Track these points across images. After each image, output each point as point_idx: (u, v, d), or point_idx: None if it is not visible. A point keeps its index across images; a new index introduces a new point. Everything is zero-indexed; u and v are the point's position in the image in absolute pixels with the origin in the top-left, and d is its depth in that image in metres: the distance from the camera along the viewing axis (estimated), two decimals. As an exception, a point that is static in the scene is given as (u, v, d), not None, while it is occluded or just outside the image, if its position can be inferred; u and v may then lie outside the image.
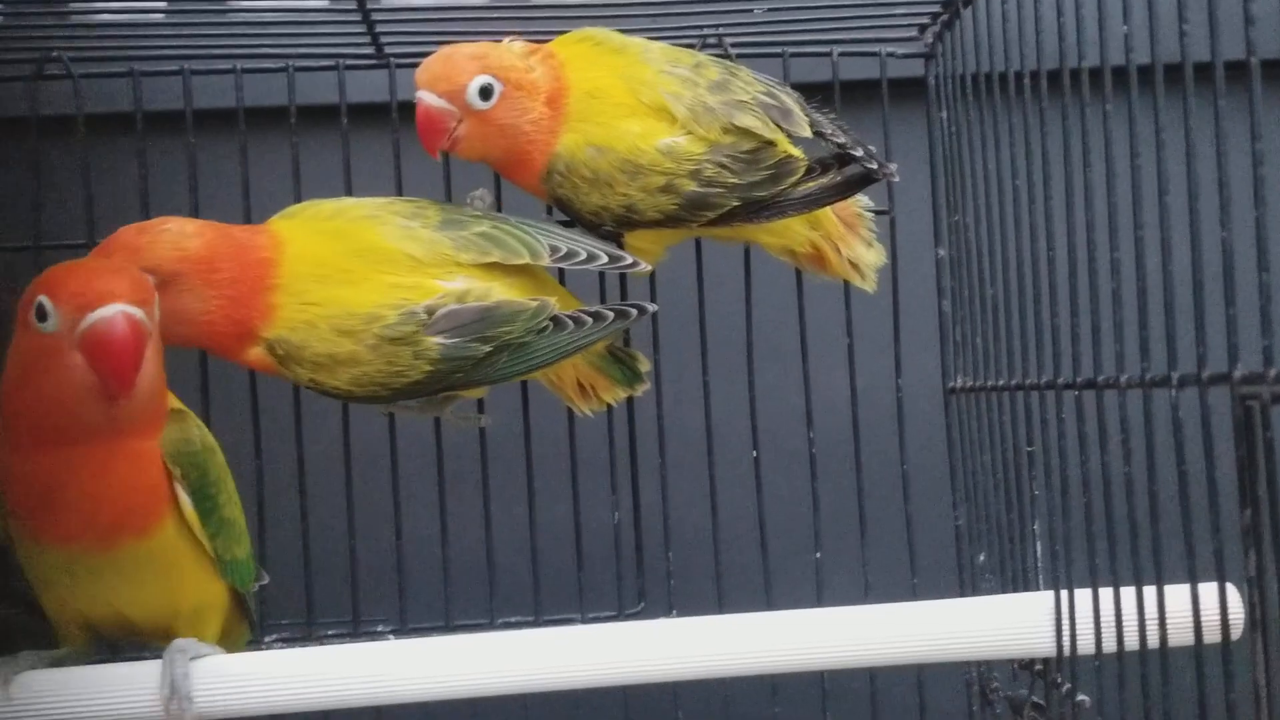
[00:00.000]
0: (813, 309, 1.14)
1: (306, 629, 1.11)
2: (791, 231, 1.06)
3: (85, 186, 1.08)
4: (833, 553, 1.13)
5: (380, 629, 1.12)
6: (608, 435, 1.13)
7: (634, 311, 1.00)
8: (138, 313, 0.79)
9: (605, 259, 1.00)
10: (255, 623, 0.96)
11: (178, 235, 0.92)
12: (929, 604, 0.91)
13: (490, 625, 1.12)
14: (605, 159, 1.00)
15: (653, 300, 1.09)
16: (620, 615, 1.14)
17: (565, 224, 1.06)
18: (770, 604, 1.09)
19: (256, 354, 0.95)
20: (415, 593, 1.12)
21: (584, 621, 1.12)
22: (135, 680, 0.83)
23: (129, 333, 0.78)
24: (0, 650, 0.86)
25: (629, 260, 1.01)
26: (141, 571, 0.84)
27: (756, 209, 1.02)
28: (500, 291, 0.97)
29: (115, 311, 0.78)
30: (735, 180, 1.00)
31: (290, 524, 1.09)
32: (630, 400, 1.12)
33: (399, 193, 1.10)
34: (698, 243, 1.12)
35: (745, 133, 1.00)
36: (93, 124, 1.09)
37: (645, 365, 1.10)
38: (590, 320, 0.98)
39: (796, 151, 1.01)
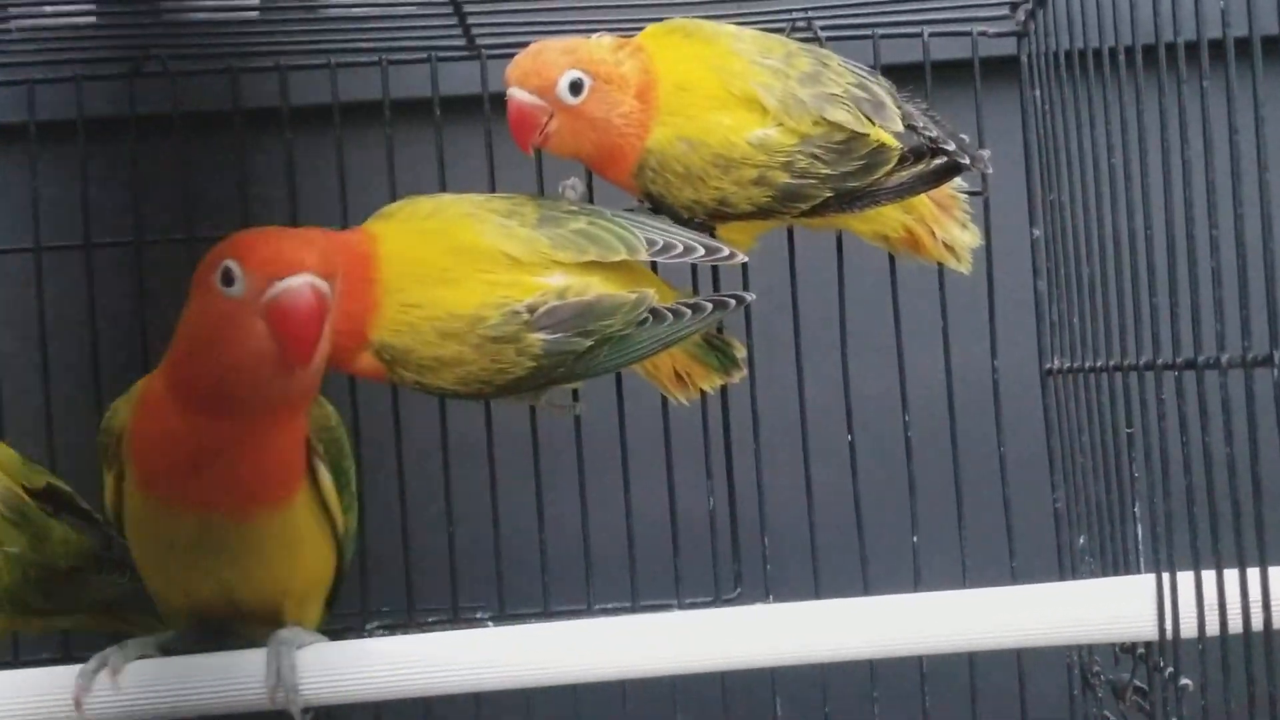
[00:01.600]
0: (906, 292, 1.15)
1: (407, 616, 1.14)
2: (885, 217, 1.08)
3: (184, 183, 1.12)
4: (930, 537, 1.15)
5: (479, 615, 1.16)
6: (702, 422, 1.15)
7: (732, 302, 1.03)
8: (324, 285, 0.80)
9: (701, 251, 1.02)
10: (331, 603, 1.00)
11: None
12: (1030, 588, 0.93)
13: (588, 611, 1.15)
14: (698, 154, 1.02)
15: (745, 287, 1.11)
16: (716, 601, 1.16)
17: (657, 212, 1.08)
18: (867, 589, 1.11)
19: (367, 360, 0.99)
20: (513, 580, 1.15)
21: (680, 607, 1.14)
22: (242, 669, 0.86)
23: (314, 304, 0.78)
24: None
25: (725, 252, 1.02)
26: (269, 545, 0.87)
27: (850, 199, 1.03)
28: (599, 286, 0.99)
29: (303, 281, 0.78)
30: (828, 171, 1.01)
31: (390, 513, 1.12)
32: (724, 387, 1.14)
33: (492, 185, 1.13)
34: (789, 229, 1.14)
35: (836, 125, 1.01)
36: (189, 122, 1.13)
37: (741, 351, 1.12)
38: (689, 312, 1.01)
39: (890, 140, 1.02)
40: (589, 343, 0.98)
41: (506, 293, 0.97)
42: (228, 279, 0.80)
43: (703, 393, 1.13)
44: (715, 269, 1.14)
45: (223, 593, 0.89)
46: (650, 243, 1.02)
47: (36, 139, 1.13)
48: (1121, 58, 0.92)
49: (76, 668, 0.85)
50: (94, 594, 0.99)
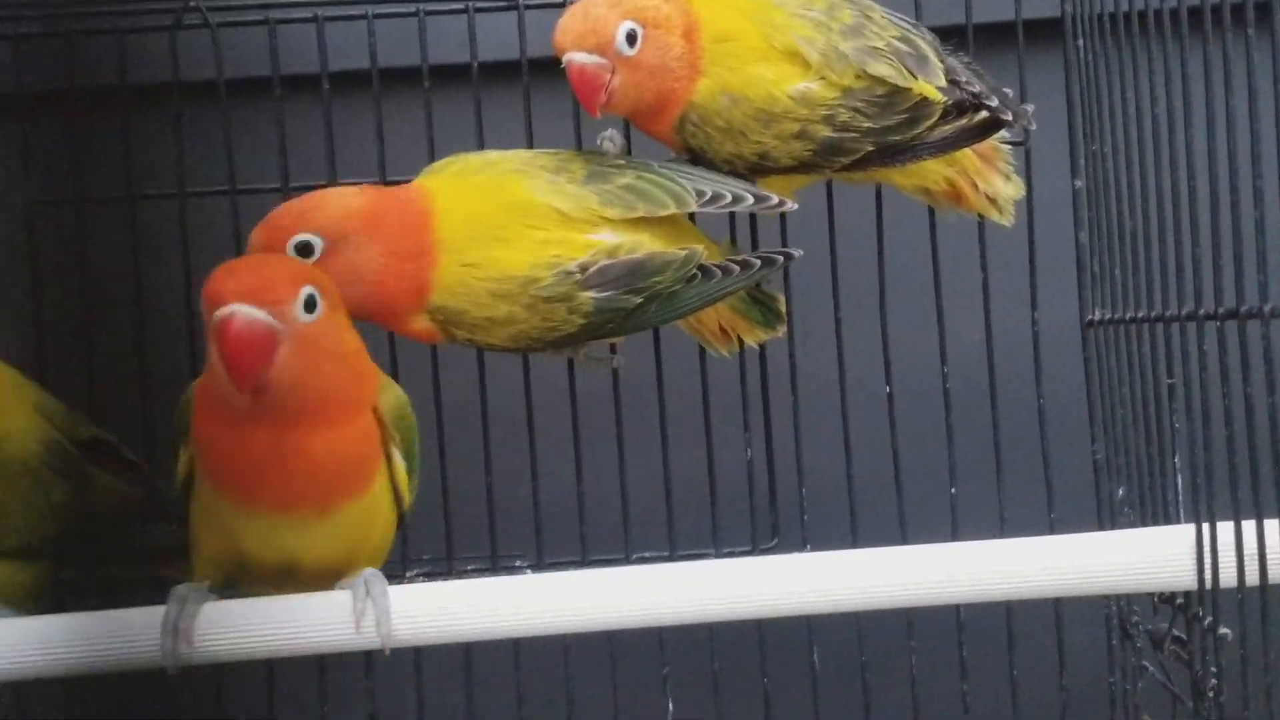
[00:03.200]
0: (945, 244, 1.17)
1: (446, 564, 1.17)
2: (927, 170, 1.09)
3: (226, 141, 1.14)
4: (968, 489, 1.17)
5: (518, 564, 1.18)
6: (740, 373, 1.17)
7: (780, 258, 1.05)
8: (256, 313, 0.82)
9: (750, 200, 1.05)
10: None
11: (341, 195, 0.99)
12: (1069, 537, 0.95)
13: (625, 561, 1.18)
14: (739, 108, 1.03)
15: (784, 241, 1.13)
16: (754, 551, 1.19)
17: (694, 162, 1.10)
18: (905, 541, 1.14)
19: (421, 323, 1.01)
20: (551, 530, 1.18)
21: (718, 557, 1.16)
22: (322, 609, 0.90)
23: (241, 332, 0.81)
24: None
25: (774, 200, 1.05)
26: (345, 531, 0.91)
27: (891, 153, 1.05)
28: (649, 243, 1.02)
29: (229, 312, 0.81)
30: (870, 125, 1.03)
31: (429, 462, 1.15)
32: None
33: (530, 143, 1.15)
34: (829, 183, 1.15)
35: (878, 79, 1.03)
36: (229, 87, 1.15)
37: (783, 305, 1.15)
38: (737, 269, 1.03)
39: (933, 93, 1.03)
40: (639, 300, 1.01)
41: (558, 251, 1.00)
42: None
43: (741, 345, 1.16)
44: (753, 222, 1.16)
45: (286, 561, 0.92)
46: (699, 193, 1.04)
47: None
48: (1167, 16, 0.94)
49: (143, 610, 0.88)
50: (139, 543, 1.02)
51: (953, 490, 1.17)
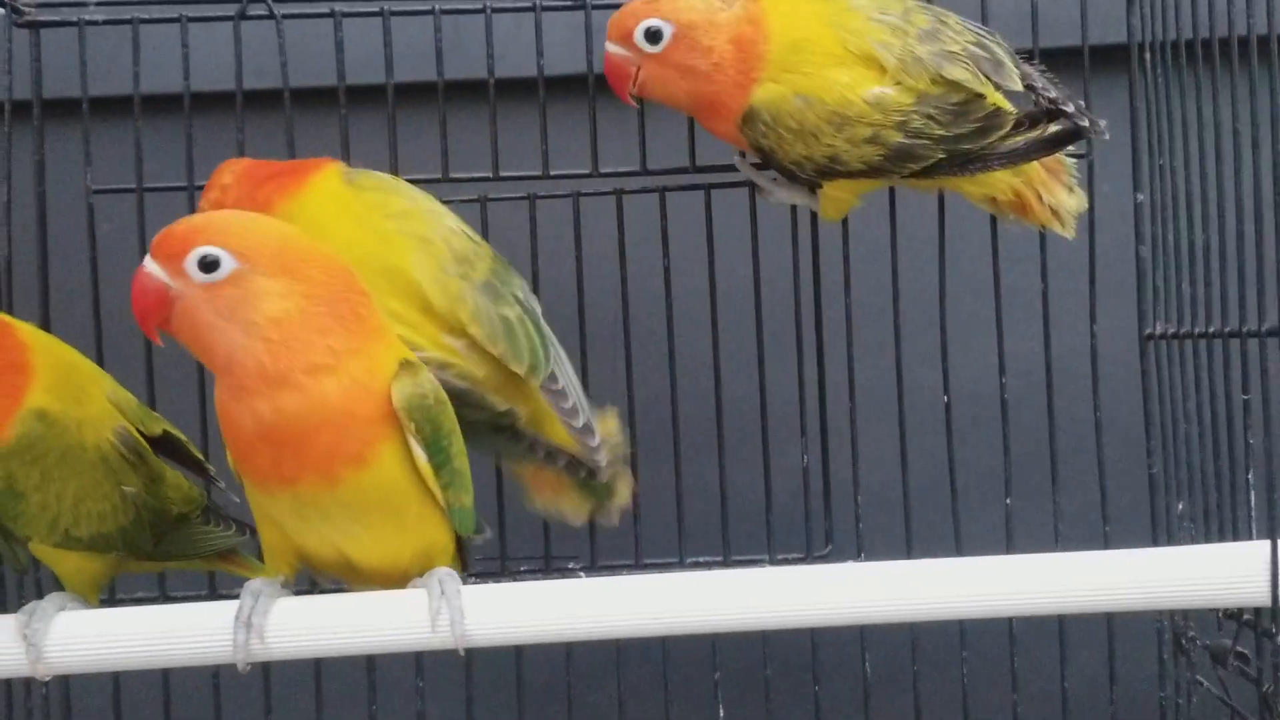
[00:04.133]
0: (1005, 255, 1.18)
1: (500, 565, 1.18)
2: (995, 179, 1.10)
3: (289, 142, 1.14)
4: (1023, 500, 1.18)
5: (571, 566, 1.19)
6: (798, 380, 1.18)
7: (584, 469, 1.07)
8: (152, 268, 0.85)
9: (581, 423, 1.06)
10: (468, 564, 1.03)
11: None
12: (1140, 552, 0.96)
13: (679, 565, 1.19)
14: (813, 110, 1.04)
15: (846, 247, 1.15)
16: (808, 558, 1.20)
17: (763, 166, 1.11)
18: (959, 551, 1.15)
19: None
20: (605, 533, 1.18)
21: (772, 563, 1.17)
22: (393, 607, 0.90)
23: (136, 286, 0.85)
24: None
25: (595, 443, 1.07)
26: (369, 511, 0.90)
27: (962, 161, 1.07)
28: (483, 379, 1.03)
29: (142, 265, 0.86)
30: (943, 132, 1.04)
31: (483, 464, 1.15)
32: (820, 346, 1.18)
33: (594, 155, 1.18)
34: (891, 190, 1.16)
35: (954, 84, 1.04)
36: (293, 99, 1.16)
37: (623, 500, 1.14)
38: (543, 453, 1.06)
39: (1005, 104, 1.05)
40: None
41: (411, 338, 1.00)
42: None
43: (800, 357, 1.17)
44: (814, 221, 1.17)
45: (339, 557, 0.92)
46: (552, 378, 1.05)
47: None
48: (1235, 44, 0.95)
49: (216, 605, 0.89)
50: (200, 542, 1.03)
51: (1008, 501, 1.18)
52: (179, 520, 1.01)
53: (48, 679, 0.90)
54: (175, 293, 0.84)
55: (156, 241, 0.85)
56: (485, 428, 1.03)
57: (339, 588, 0.99)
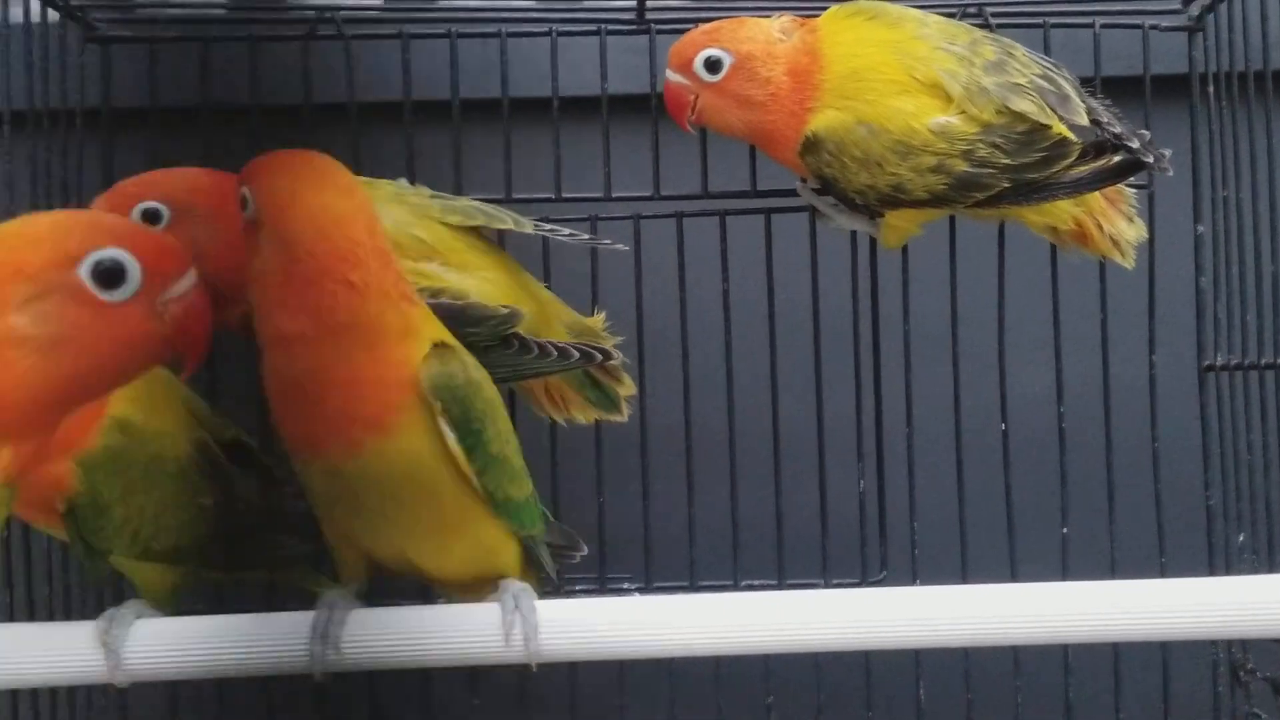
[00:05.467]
0: (1064, 285, 1.21)
1: (555, 584, 1.21)
2: (1057, 209, 1.14)
3: (355, 158, 1.18)
4: (1079, 530, 1.21)
5: (626, 586, 1.23)
6: (855, 405, 1.22)
7: (599, 355, 1.11)
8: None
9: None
10: (551, 579, 1.06)
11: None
12: (1203, 580, 0.99)
13: (734, 588, 1.22)
14: (878, 140, 1.08)
15: (905, 274, 1.18)
16: (863, 583, 1.24)
17: (824, 192, 1.16)
18: (1014, 579, 1.18)
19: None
20: (660, 554, 1.23)
21: (827, 588, 1.20)
22: (476, 620, 0.93)
23: None
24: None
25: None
26: (399, 488, 0.91)
27: (1026, 191, 1.10)
28: (475, 292, 1.07)
29: None
30: (1008, 161, 1.08)
31: (541, 483, 1.19)
32: (877, 372, 1.21)
33: (656, 173, 1.22)
34: (951, 219, 1.20)
35: (1019, 116, 1.08)
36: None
37: (627, 392, 1.20)
38: (555, 353, 1.09)
39: (1070, 134, 1.08)
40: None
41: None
42: None
43: (858, 382, 1.21)
44: (874, 247, 1.21)
45: (398, 555, 0.95)
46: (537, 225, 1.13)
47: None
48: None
49: (291, 615, 0.93)
50: (268, 553, 1.06)
51: (1064, 531, 1.21)
52: (250, 531, 1.04)
53: (126, 685, 0.93)
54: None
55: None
56: (492, 349, 1.05)
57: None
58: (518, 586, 0.94)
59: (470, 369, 0.93)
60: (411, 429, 0.90)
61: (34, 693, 1.08)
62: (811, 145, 1.10)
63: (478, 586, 0.97)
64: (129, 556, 0.96)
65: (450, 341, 0.94)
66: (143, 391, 0.95)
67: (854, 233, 1.21)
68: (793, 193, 1.21)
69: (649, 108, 1.22)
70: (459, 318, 1.03)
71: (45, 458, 0.89)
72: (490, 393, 0.95)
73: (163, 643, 0.93)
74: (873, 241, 1.21)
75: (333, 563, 0.99)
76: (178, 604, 1.00)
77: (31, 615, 1.07)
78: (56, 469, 0.91)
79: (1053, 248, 1.21)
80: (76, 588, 1.13)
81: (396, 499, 0.92)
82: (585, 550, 1.10)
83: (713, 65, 1.10)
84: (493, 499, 0.95)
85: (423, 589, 1.15)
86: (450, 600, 1.01)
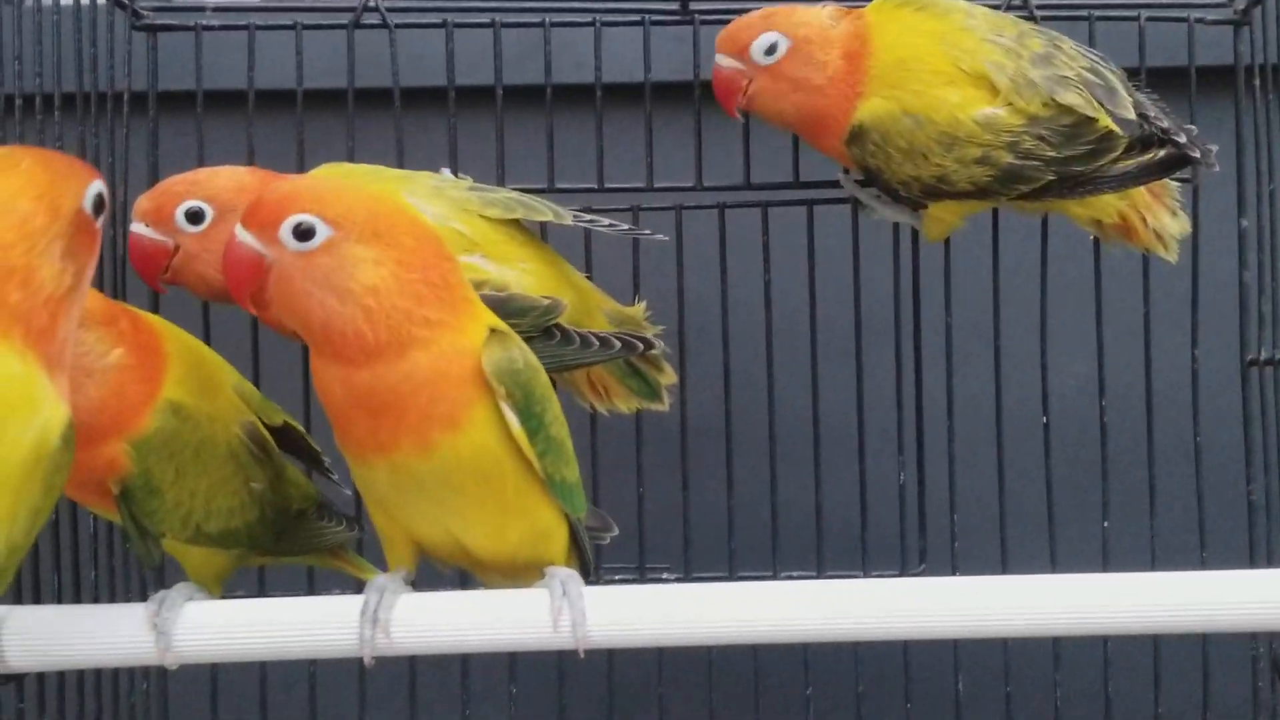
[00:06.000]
0: (1106, 278, 1.22)
1: (594, 572, 1.22)
2: (1102, 202, 1.15)
3: (398, 145, 1.20)
4: (1119, 523, 1.22)
5: (665, 576, 1.24)
6: (895, 398, 1.23)
7: (640, 345, 1.12)
8: (245, 237, 0.89)
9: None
10: (590, 563, 1.06)
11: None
12: (1244, 572, 1.00)
13: (773, 578, 1.23)
14: (923, 130, 1.09)
15: (947, 267, 1.20)
16: (902, 575, 1.24)
17: (867, 183, 1.18)
18: (1054, 571, 1.19)
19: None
20: (700, 544, 1.24)
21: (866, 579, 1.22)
22: (524, 607, 0.94)
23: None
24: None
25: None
26: (465, 480, 0.93)
27: (1072, 184, 1.11)
28: (516, 284, 1.10)
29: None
30: (1054, 154, 1.09)
31: (582, 472, 1.20)
32: (918, 364, 1.22)
33: (698, 162, 1.23)
34: (995, 211, 1.21)
35: (1066, 109, 1.09)
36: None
37: (668, 380, 1.22)
38: (597, 343, 1.10)
39: (1116, 128, 1.09)
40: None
41: None
42: None
43: (899, 375, 1.22)
44: (915, 239, 1.22)
45: (449, 540, 0.97)
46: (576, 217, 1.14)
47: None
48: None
49: (341, 599, 0.94)
50: (315, 538, 1.08)
51: (1105, 524, 1.22)
52: (297, 516, 1.06)
53: (175, 667, 0.95)
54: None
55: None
56: (534, 340, 1.06)
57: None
58: (564, 573, 0.95)
59: (526, 352, 0.95)
60: (482, 421, 0.92)
61: (80, 674, 1.10)
62: (857, 135, 1.12)
63: (524, 573, 0.99)
64: (180, 539, 0.98)
65: (503, 327, 0.96)
66: (195, 375, 0.97)
67: (896, 225, 1.23)
68: (835, 184, 1.23)
69: (692, 97, 1.23)
70: (501, 310, 1.04)
71: (100, 439, 0.91)
72: (545, 376, 0.97)
73: (213, 626, 0.94)
74: (915, 233, 1.22)
75: (383, 548, 1.00)
76: (224, 587, 1.02)
77: (78, 597, 1.09)
78: (110, 451, 0.92)
79: (1096, 241, 1.22)
80: (121, 570, 1.15)
81: (463, 490, 0.94)
82: (616, 531, 1.12)
83: (770, 48, 1.11)
84: (551, 481, 0.96)
85: (462, 577, 1.17)
86: (492, 587, 1.02)
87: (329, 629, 0.94)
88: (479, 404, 0.92)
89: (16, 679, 0.98)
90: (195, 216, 1.05)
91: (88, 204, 0.80)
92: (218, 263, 1.01)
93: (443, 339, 0.90)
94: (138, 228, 1.07)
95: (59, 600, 1.07)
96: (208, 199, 1.05)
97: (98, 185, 0.82)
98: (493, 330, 0.94)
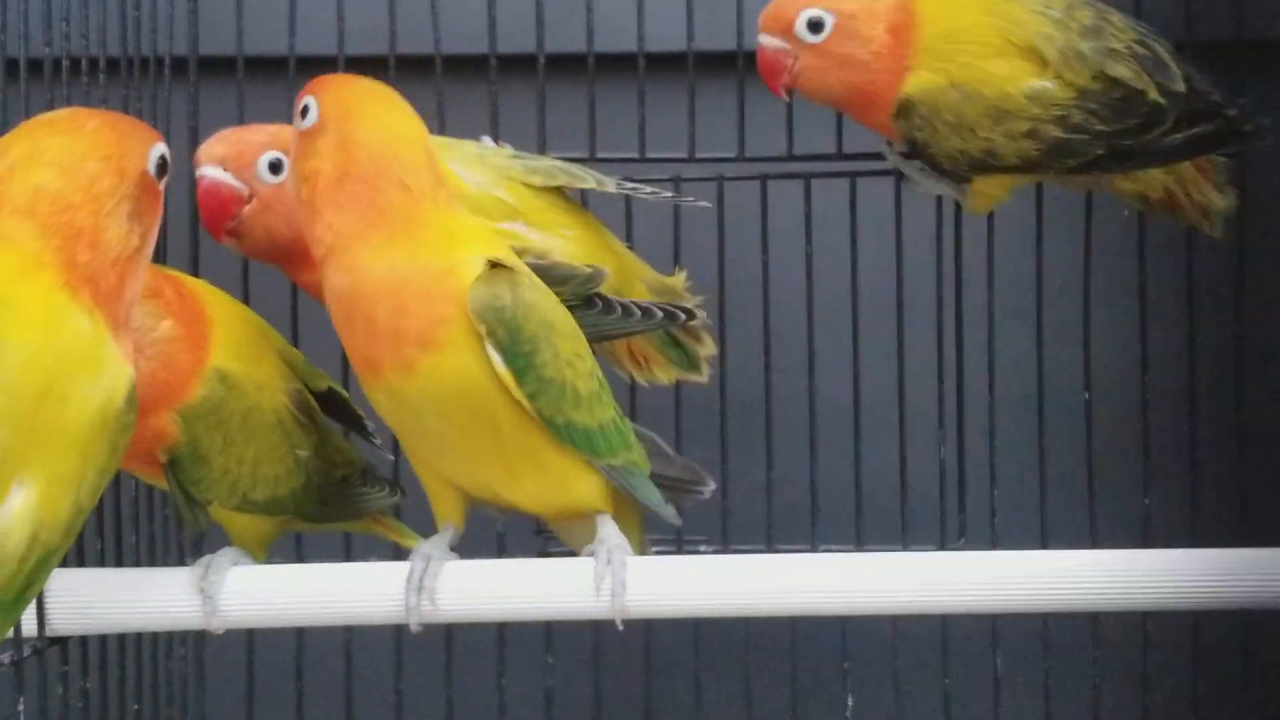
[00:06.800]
0: (1150, 252, 1.23)
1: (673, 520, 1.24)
2: (1149, 176, 1.16)
3: (439, 111, 1.21)
4: (1160, 499, 1.24)
5: (703, 549, 1.26)
6: (936, 372, 1.24)
7: (681, 315, 1.12)
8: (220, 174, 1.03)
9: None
10: (664, 514, 1.07)
11: None
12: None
13: (811, 552, 1.25)
14: (971, 104, 1.10)
15: (990, 239, 1.21)
16: (942, 550, 1.25)
17: (911, 157, 1.19)
18: (1094, 548, 1.20)
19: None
20: (738, 517, 1.26)
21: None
22: (568, 576, 0.97)
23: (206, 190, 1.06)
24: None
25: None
26: (455, 410, 0.93)
27: (1120, 158, 1.12)
28: (559, 251, 1.12)
29: (200, 174, 1.07)
30: (1103, 128, 1.10)
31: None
32: (959, 338, 1.24)
33: (741, 137, 1.25)
34: (1038, 187, 1.22)
35: (1116, 81, 1.09)
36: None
37: (707, 351, 1.23)
38: (639, 313, 1.10)
39: (1166, 101, 1.10)
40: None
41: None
42: None
43: (940, 348, 1.23)
44: (959, 214, 1.23)
45: (475, 483, 0.98)
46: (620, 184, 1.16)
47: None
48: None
49: (388, 565, 0.96)
50: (358, 504, 1.09)
51: (1146, 501, 1.24)
52: (340, 482, 1.07)
53: (221, 631, 0.97)
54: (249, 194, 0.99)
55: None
56: (575, 308, 1.06)
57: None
58: (615, 540, 0.97)
59: (522, 289, 0.93)
60: (461, 345, 0.92)
61: (121, 639, 1.12)
62: (904, 109, 1.12)
63: (573, 520, 1.01)
64: (227, 507, 0.99)
65: (508, 260, 0.95)
66: (242, 342, 0.99)
67: (939, 197, 1.24)
68: (879, 156, 1.23)
69: (734, 66, 1.24)
70: (543, 277, 1.06)
71: (149, 410, 0.93)
72: (549, 315, 0.95)
73: (257, 591, 0.97)
74: (958, 206, 1.23)
75: (430, 502, 1.01)
76: (269, 553, 1.04)
77: (119, 562, 1.11)
78: (159, 420, 0.94)
79: (1140, 215, 1.23)
80: (160, 536, 1.17)
81: (456, 422, 0.94)
82: (713, 486, 1.12)
83: (815, 25, 1.11)
84: (554, 424, 0.95)
85: (500, 543, 1.19)
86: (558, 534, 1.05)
87: (375, 596, 0.97)
88: (457, 326, 0.91)
89: (60, 641, 1.00)
90: (276, 167, 1.06)
91: (151, 166, 0.82)
92: (290, 216, 1.03)
93: (418, 253, 0.91)
94: (213, 172, 1.07)
95: (101, 564, 1.08)
96: (286, 151, 1.05)
97: (161, 147, 0.83)
98: (493, 264, 0.93)
